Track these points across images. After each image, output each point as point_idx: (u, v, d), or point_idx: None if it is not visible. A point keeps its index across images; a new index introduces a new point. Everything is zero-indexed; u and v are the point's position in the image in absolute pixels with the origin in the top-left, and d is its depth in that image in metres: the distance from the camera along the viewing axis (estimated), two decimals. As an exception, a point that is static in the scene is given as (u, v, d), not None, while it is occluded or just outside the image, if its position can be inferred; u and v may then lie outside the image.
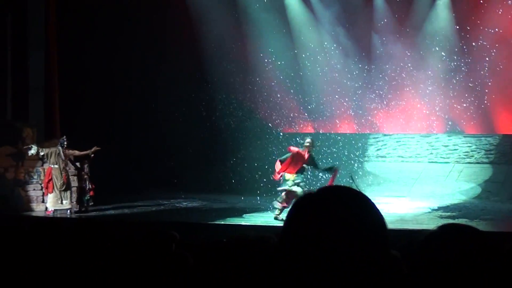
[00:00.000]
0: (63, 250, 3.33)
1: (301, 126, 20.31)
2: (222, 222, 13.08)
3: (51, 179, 14.45)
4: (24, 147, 14.77)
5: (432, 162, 18.93)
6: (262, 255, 2.56)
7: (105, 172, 17.11)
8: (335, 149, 19.14)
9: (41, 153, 14.57)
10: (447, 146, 18.96)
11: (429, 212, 14.81)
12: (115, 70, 19.02)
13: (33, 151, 14.50)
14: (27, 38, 16.63)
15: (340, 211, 1.44)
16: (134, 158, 19.44)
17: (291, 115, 20.18)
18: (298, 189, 13.03)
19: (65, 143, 14.57)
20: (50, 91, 16.29)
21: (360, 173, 18.75)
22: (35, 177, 15.25)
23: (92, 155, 14.94)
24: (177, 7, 19.44)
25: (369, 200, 1.50)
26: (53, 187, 14.42)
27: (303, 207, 1.49)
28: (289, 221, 1.49)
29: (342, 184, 1.58)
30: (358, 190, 1.52)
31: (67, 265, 3.16)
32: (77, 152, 14.89)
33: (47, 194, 14.61)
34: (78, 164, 15.27)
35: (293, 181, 13.29)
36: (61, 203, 14.49)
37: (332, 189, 1.51)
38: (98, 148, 14.94)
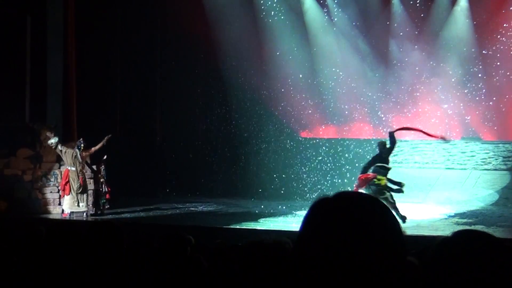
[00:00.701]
0: (80, 253, 3.35)
1: (319, 131, 20.28)
2: (238, 227, 13.09)
3: (68, 181, 14.52)
4: (47, 135, 14.77)
5: (449, 168, 18.81)
6: (277, 260, 2.56)
7: (121, 175, 17.20)
8: (351, 155, 19.08)
9: (60, 148, 14.59)
10: (464, 152, 18.84)
11: (446, 218, 14.72)
12: (133, 72, 19.10)
13: (53, 140, 14.53)
14: (46, 40, 16.78)
15: (356, 216, 1.43)
16: (151, 161, 19.50)
17: (309, 119, 20.15)
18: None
19: (82, 145, 14.63)
20: (68, 93, 16.39)
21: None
22: (52, 179, 15.33)
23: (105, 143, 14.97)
24: (194, 8, 19.51)
25: (385, 205, 1.49)
26: (70, 189, 14.49)
27: (319, 211, 1.49)
28: (305, 226, 1.49)
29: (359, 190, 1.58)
30: (374, 195, 1.52)
31: (83, 268, 3.18)
32: (93, 149, 14.92)
33: (63, 196, 14.67)
34: (94, 167, 15.35)
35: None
36: (78, 205, 14.57)
37: (349, 194, 1.51)
38: (110, 136, 14.97)
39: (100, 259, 3.01)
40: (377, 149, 14.11)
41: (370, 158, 14.29)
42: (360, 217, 1.44)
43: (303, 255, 1.44)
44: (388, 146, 13.85)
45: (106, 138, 14.95)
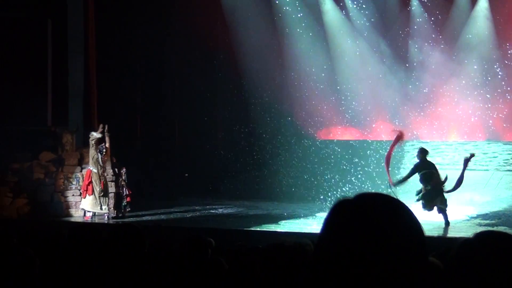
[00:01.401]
0: (101, 255, 3.38)
1: (338, 133, 20.23)
2: (258, 229, 13.09)
3: (90, 182, 14.60)
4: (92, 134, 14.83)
5: (471, 169, 18.64)
6: (298, 261, 2.57)
7: (142, 178, 17.29)
8: (373, 157, 19.00)
9: (92, 143, 14.61)
10: (486, 153, 18.68)
11: (468, 220, 14.60)
12: (153, 76, 19.21)
13: (96, 135, 14.63)
14: (67, 44, 16.94)
15: (377, 218, 1.43)
16: (170, 164, 19.58)
17: (327, 121, 20.12)
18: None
19: (104, 150, 14.69)
20: (89, 97, 16.52)
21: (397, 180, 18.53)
22: (74, 182, 15.44)
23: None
24: (212, 12, 19.57)
25: (406, 207, 1.49)
26: (93, 190, 14.57)
27: (340, 213, 1.49)
28: (326, 227, 1.49)
29: (379, 191, 1.57)
30: (395, 197, 1.51)
31: (105, 270, 3.21)
32: (108, 146, 14.92)
33: (85, 196, 14.71)
34: (116, 170, 15.43)
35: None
36: (100, 208, 14.65)
37: (370, 196, 1.51)
38: (105, 126, 14.87)
39: (122, 261, 3.03)
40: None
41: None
42: (381, 218, 1.43)
43: (324, 257, 1.44)
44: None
45: (102, 129, 14.82)
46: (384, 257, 1.39)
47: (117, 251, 3.01)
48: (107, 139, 14.75)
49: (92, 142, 14.63)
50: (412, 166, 14.03)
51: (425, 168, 13.66)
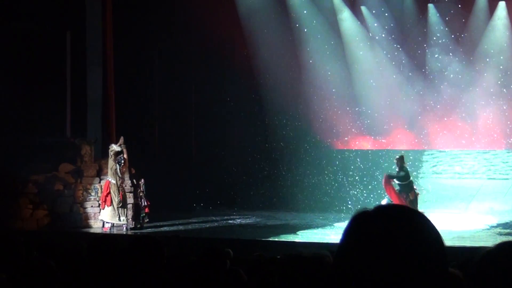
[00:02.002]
0: (121, 267, 3.39)
1: (355, 142, 20.16)
2: (276, 239, 13.07)
3: (109, 193, 14.66)
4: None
5: (491, 178, 18.51)
6: (317, 273, 2.56)
7: (160, 190, 17.34)
8: (387, 165, 18.91)
9: (111, 154, 14.72)
10: (507, 162, 18.55)
11: (488, 229, 14.48)
12: (170, 87, 19.29)
13: (115, 147, 14.72)
14: (86, 56, 17.09)
15: (397, 229, 1.42)
16: (188, 175, 19.62)
17: (344, 131, 20.06)
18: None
19: (123, 161, 14.74)
20: (107, 108, 16.62)
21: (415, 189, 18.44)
22: (93, 194, 15.51)
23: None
24: (229, 23, 19.65)
25: (426, 217, 1.48)
26: (111, 201, 14.62)
27: (359, 224, 1.48)
28: (345, 238, 1.49)
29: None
30: (414, 207, 1.50)
31: (125, 281, 3.22)
32: (126, 158, 15.00)
33: (104, 208, 14.77)
34: (134, 181, 15.49)
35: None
36: (119, 219, 14.69)
37: (389, 207, 1.50)
38: (122, 138, 14.99)
39: (142, 273, 3.05)
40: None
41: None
42: (400, 229, 1.43)
43: (343, 268, 1.44)
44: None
45: (120, 142, 14.95)
46: (404, 268, 1.38)
47: (136, 262, 3.02)
48: (124, 150, 14.84)
49: (111, 154, 14.72)
50: (403, 173, 13.87)
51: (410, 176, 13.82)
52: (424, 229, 1.45)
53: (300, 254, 2.63)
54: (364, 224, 1.47)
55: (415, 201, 13.69)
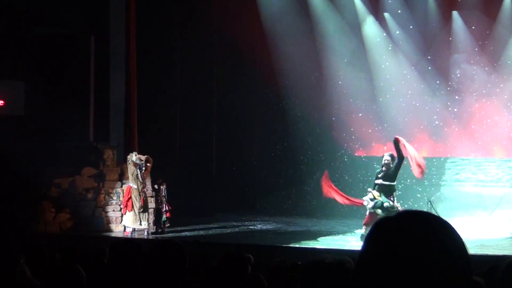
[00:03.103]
0: (143, 271, 3.40)
1: (377, 149, 20.05)
2: (297, 245, 13.04)
3: (130, 198, 14.73)
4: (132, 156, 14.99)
5: (514, 187, 18.32)
6: (339, 279, 2.55)
7: (181, 194, 17.39)
8: (410, 173, 18.78)
9: (135, 161, 14.78)
10: (531, 170, 18.34)
11: (511, 237, 14.31)
12: (192, 92, 19.35)
13: (134, 158, 14.78)
14: (109, 60, 17.22)
15: (419, 236, 1.41)
16: (210, 180, 19.66)
17: (366, 138, 19.97)
18: (380, 212, 12.67)
19: (144, 167, 14.79)
20: (130, 113, 16.72)
21: (438, 197, 18.31)
22: (115, 198, 15.60)
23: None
24: (252, 30, 19.71)
25: (450, 225, 1.47)
26: (132, 206, 14.69)
27: (381, 231, 1.47)
28: (367, 245, 1.48)
29: (420, 209, 1.55)
30: (437, 214, 1.49)
31: (146, 286, 3.23)
32: (149, 166, 15.08)
33: (125, 213, 14.86)
34: (156, 186, 15.54)
35: (377, 202, 12.92)
36: (140, 224, 14.75)
37: (411, 214, 1.49)
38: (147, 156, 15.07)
39: (164, 277, 3.05)
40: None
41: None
42: (424, 236, 1.41)
43: (365, 275, 1.43)
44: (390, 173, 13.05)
45: (143, 159, 14.99)
46: (427, 276, 1.37)
47: (158, 267, 3.03)
48: (148, 165, 14.86)
49: (129, 161, 14.80)
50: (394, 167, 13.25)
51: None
52: (448, 236, 1.44)
53: (322, 260, 2.62)
54: (386, 231, 1.46)
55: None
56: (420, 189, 18.22)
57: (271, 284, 4.36)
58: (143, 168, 14.75)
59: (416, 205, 17.36)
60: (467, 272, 1.42)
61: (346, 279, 2.53)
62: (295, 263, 6.14)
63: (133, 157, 14.76)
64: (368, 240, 1.48)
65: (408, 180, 18.46)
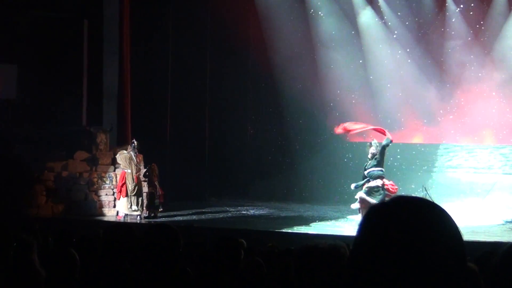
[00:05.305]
0: (137, 255, 3.41)
1: (370, 135, 20.06)
2: (289, 231, 13.08)
3: (124, 183, 14.74)
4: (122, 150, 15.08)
5: (506, 173, 18.40)
6: (333, 264, 2.55)
7: (173, 179, 17.40)
8: (403, 159, 18.84)
9: (122, 156, 14.93)
10: (524, 158, 18.42)
11: (503, 224, 14.41)
12: (184, 77, 19.29)
13: (119, 159, 14.97)
14: (102, 44, 17.14)
15: (415, 221, 1.41)
16: (203, 165, 19.66)
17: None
18: (371, 200, 12.54)
19: (136, 148, 14.82)
20: (123, 97, 16.68)
21: (430, 183, 18.37)
22: (107, 182, 15.60)
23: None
24: (246, 15, 19.66)
25: (445, 211, 1.46)
26: (127, 191, 14.71)
27: (376, 217, 1.47)
28: (362, 231, 1.47)
29: (415, 195, 1.55)
30: (432, 201, 1.49)
31: (140, 270, 3.23)
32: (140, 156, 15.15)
33: (119, 198, 14.88)
34: (147, 171, 15.51)
35: (367, 187, 12.89)
36: (131, 207, 14.75)
37: (406, 200, 1.49)
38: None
39: (158, 261, 3.06)
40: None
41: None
42: (418, 222, 1.41)
43: (359, 261, 1.43)
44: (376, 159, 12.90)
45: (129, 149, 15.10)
46: (422, 262, 1.37)
47: (153, 251, 3.04)
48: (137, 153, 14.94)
49: (119, 159, 14.97)
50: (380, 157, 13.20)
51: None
52: (443, 223, 1.43)
53: (316, 245, 2.63)
54: (381, 215, 1.46)
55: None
56: (412, 175, 18.28)
57: (267, 269, 4.37)
58: (136, 150, 14.78)
59: (408, 191, 17.41)
60: (462, 259, 1.42)
61: (340, 264, 2.54)
62: (289, 248, 6.15)
63: (118, 156, 14.94)
64: (363, 226, 1.48)
65: (404, 166, 18.55)
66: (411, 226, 1.40)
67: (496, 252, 1.70)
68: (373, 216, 1.47)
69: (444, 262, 1.38)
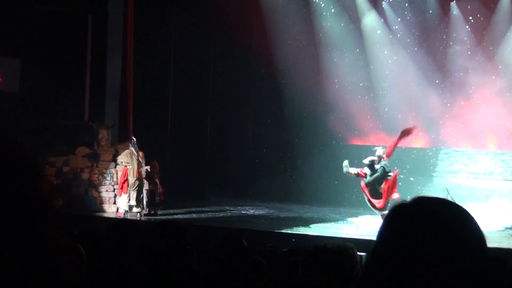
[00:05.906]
0: (141, 252, 3.39)
1: (371, 138, 20.06)
2: (289, 231, 13.07)
3: (126, 179, 14.72)
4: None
5: (507, 179, 18.39)
6: (341, 264, 2.55)
7: (173, 178, 17.38)
8: (406, 163, 18.83)
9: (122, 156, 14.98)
10: (525, 163, 18.42)
11: (503, 230, 14.41)
12: (186, 74, 19.27)
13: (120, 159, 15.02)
14: (106, 40, 17.13)
15: (437, 222, 1.39)
16: (203, 163, 19.64)
17: (361, 127, 19.97)
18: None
19: (136, 144, 14.82)
20: (125, 93, 16.67)
21: (429, 188, 18.37)
22: (108, 178, 15.58)
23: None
24: (250, 13, 19.64)
25: (467, 211, 1.45)
26: (128, 188, 14.70)
27: (397, 218, 1.45)
28: (383, 232, 1.46)
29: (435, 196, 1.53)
30: (454, 202, 1.47)
31: (145, 267, 3.22)
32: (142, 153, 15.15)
33: (120, 194, 14.86)
34: (148, 168, 15.49)
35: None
36: (129, 202, 14.72)
37: (428, 200, 1.47)
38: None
39: (166, 258, 3.05)
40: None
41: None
42: (441, 223, 1.40)
43: (382, 262, 1.41)
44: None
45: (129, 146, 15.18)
46: (443, 263, 1.36)
47: (160, 247, 3.03)
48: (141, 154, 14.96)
49: (121, 160, 15.00)
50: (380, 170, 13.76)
51: None
52: (466, 223, 1.42)
53: (325, 245, 2.62)
54: (402, 217, 1.44)
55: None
56: (412, 179, 18.28)
57: (271, 269, 4.36)
58: (135, 145, 14.77)
59: (406, 197, 17.38)
60: (484, 259, 1.41)
61: (349, 265, 2.53)
62: (291, 248, 6.14)
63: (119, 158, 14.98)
64: (384, 227, 1.46)
65: (404, 170, 18.53)
66: (432, 227, 1.39)
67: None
68: (394, 217, 1.46)
69: (467, 263, 1.37)
